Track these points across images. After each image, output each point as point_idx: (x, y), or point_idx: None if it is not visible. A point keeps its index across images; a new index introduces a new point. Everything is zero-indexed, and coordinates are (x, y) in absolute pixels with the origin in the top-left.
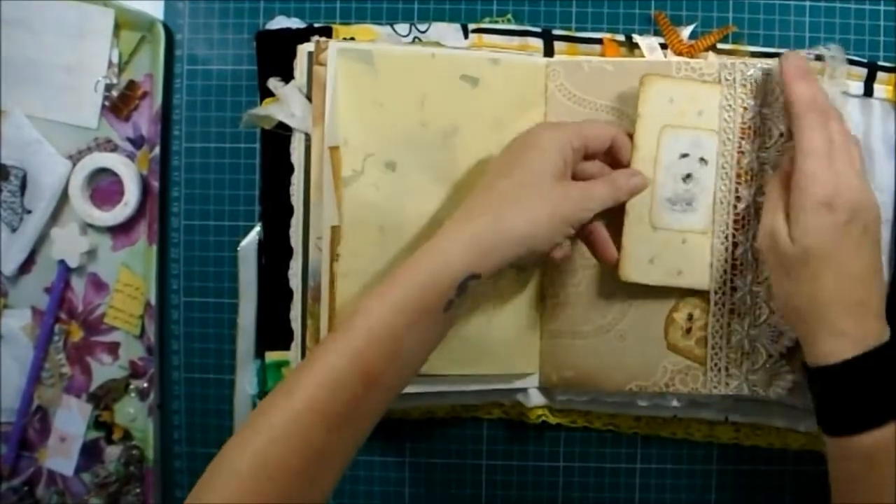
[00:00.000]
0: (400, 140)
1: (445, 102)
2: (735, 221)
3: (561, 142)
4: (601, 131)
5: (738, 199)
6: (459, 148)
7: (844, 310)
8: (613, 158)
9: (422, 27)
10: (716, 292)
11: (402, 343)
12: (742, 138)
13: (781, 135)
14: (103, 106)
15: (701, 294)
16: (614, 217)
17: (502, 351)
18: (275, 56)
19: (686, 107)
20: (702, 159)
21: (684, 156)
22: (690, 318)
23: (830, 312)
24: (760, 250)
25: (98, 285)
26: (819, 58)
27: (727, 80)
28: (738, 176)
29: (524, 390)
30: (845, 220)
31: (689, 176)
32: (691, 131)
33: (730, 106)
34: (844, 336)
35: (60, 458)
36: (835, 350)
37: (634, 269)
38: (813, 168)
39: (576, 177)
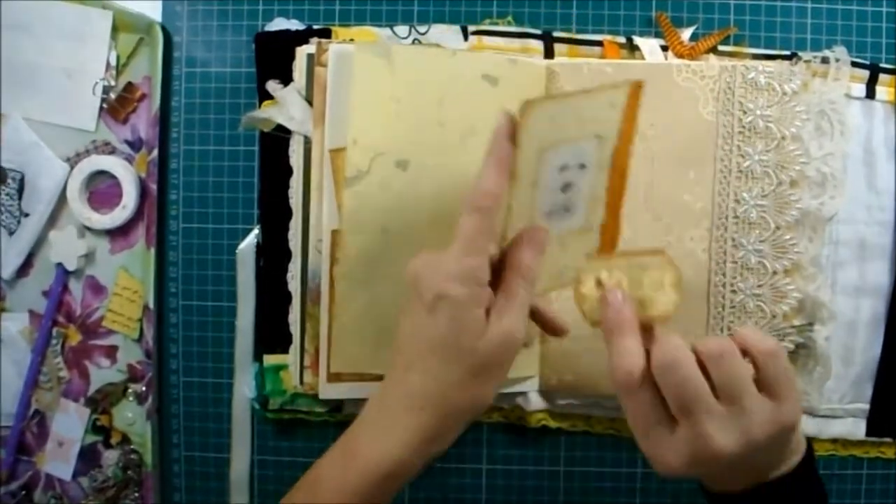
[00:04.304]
0: (415, 139)
1: (465, 102)
2: (735, 224)
3: (469, 281)
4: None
5: (737, 202)
6: (476, 149)
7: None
8: None
9: (421, 29)
10: (715, 295)
11: None
12: (741, 141)
13: (783, 137)
14: (101, 108)
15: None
16: None
17: None
18: (274, 58)
19: (567, 121)
20: (581, 165)
21: (564, 168)
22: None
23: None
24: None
25: (96, 288)
26: (825, 60)
27: (727, 81)
28: (739, 179)
29: (524, 394)
30: None
31: (568, 185)
32: (571, 144)
33: (727, 109)
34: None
35: (58, 462)
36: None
37: None
38: None
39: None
